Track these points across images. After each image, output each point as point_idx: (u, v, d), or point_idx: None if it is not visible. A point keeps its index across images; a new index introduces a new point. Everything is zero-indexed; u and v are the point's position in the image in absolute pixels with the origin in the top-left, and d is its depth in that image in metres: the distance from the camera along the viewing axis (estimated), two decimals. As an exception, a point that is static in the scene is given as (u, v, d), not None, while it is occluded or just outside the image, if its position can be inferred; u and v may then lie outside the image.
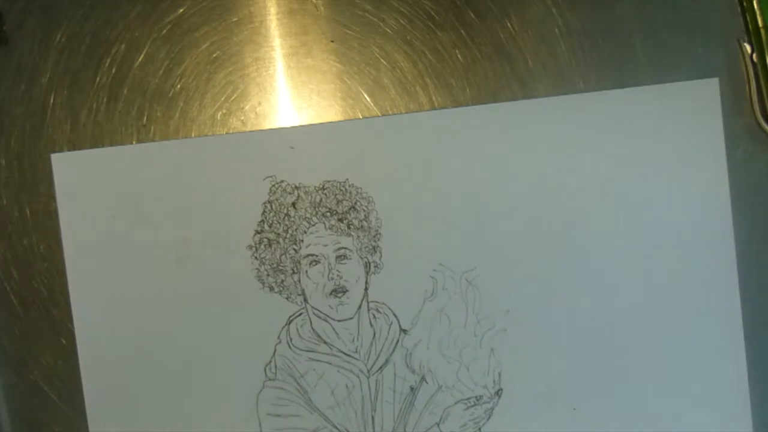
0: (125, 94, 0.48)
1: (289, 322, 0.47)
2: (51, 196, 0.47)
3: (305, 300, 0.47)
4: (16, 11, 0.48)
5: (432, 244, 0.47)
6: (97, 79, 0.48)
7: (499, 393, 0.47)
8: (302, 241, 0.47)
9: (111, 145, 0.48)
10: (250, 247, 0.47)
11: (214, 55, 0.48)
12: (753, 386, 0.47)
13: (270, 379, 0.47)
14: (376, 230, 0.47)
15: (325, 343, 0.47)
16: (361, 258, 0.47)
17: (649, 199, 0.47)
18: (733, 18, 0.47)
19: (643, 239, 0.47)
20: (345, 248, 0.47)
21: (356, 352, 0.47)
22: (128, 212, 0.47)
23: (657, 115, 0.46)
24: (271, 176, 0.47)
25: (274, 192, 0.47)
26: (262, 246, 0.47)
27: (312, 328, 0.47)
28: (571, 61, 0.47)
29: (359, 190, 0.47)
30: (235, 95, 0.48)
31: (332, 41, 0.48)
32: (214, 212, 0.47)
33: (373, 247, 0.47)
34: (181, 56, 0.48)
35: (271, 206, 0.47)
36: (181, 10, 0.48)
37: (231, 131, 0.48)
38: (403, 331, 0.47)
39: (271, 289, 0.47)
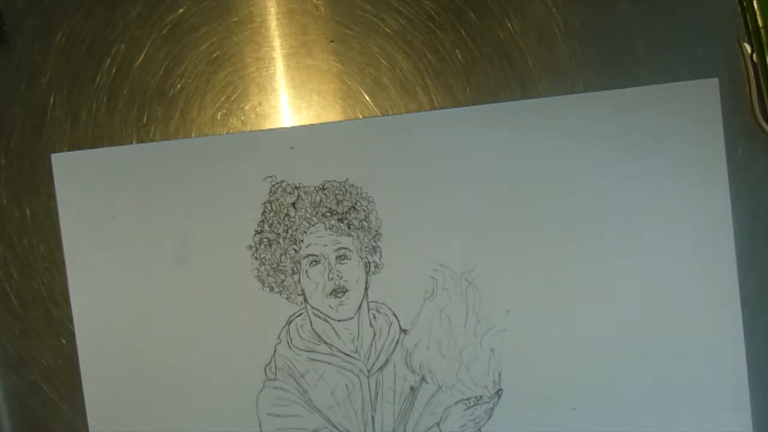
0: (125, 94, 0.48)
1: (289, 322, 0.47)
2: (51, 196, 0.47)
3: (305, 300, 0.47)
4: (16, 11, 0.48)
5: (432, 244, 0.47)
6: (97, 79, 0.48)
7: (499, 393, 0.47)
8: (302, 241, 0.47)
9: (111, 145, 0.48)
10: (250, 247, 0.47)
11: (214, 55, 0.48)
12: (753, 386, 0.47)
13: (270, 379, 0.47)
14: (376, 230, 0.47)
15: (325, 343, 0.47)
16: (361, 258, 0.47)
17: (649, 199, 0.47)
18: (733, 18, 0.47)
19: (643, 239, 0.47)
20: (345, 248, 0.47)
21: (356, 352, 0.47)
22: (128, 212, 0.47)
23: (657, 115, 0.46)
24: (271, 176, 0.47)
25: (274, 192, 0.47)
26: (262, 246, 0.47)
27: (312, 328, 0.47)
28: (571, 61, 0.47)
29: (359, 190, 0.47)
30: (235, 95, 0.48)
31: (332, 41, 0.48)
32: (214, 212, 0.47)
33: (373, 247, 0.47)
34: (181, 56, 0.48)
35: (271, 206, 0.47)
36: (181, 10, 0.48)
37: (231, 131, 0.48)
38: (403, 331, 0.47)
39: (271, 289, 0.47)
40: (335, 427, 0.47)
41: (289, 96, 0.48)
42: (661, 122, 0.47)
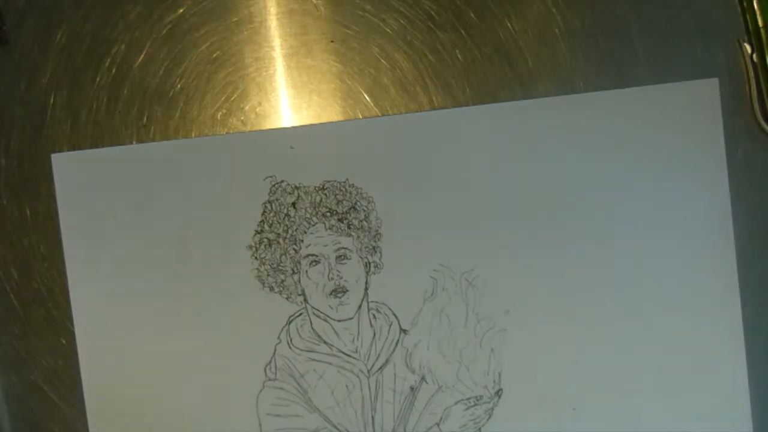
0: (125, 94, 0.48)
1: (289, 322, 0.47)
2: (51, 196, 0.47)
3: (305, 300, 0.47)
4: (16, 11, 0.48)
5: (432, 244, 0.47)
6: (97, 79, 0.48)
7: (499, 393, 0.47)
8: (302, 241, 0.47)
9: (111, 145, 0.48)
10: (250, 247, 0.47)
11: (214, 55, 0.48)
12: (753, 386, 0.47)
13: (270, 379, 0.47)
14: (376, 230, 0.47)
15: (325, 343, 0.47)
16: (361, 258, 0.47)
17: (649, 199, 0.47)
18: (733, 18, 0.47)
19: (643, 239, 0.47)
20: (345, 248, 0.47)
21: (356, 352, 0.47)
22: (128, 212, 0.47)
23: (657, 115, 0.46)
24: (271, 176, 0.47)
25: (274, 192, 0.47)
26: (262, 246, 0.47)
27: (312, 328, 0.47)
28: (571, 61, 0.47)
29: (359, 190, 0.47)
30: (235, 95, 0.48)
31: (332, 41, 0.48)
32: (214, 212, 0.47)
33: (373, 247, 0.47)
34: (181, 56, 0.48)
35: (271, 206, 0.47)
36: (181, 10, 0.48)
37: (231, 131, 0.48)
38: (403, 331, 0.47)
39: (271, 289, 0.47)
40: (335, 427, 0.47)
41: (289, 96, 0.48)
42: (661, 122, 0.47)
